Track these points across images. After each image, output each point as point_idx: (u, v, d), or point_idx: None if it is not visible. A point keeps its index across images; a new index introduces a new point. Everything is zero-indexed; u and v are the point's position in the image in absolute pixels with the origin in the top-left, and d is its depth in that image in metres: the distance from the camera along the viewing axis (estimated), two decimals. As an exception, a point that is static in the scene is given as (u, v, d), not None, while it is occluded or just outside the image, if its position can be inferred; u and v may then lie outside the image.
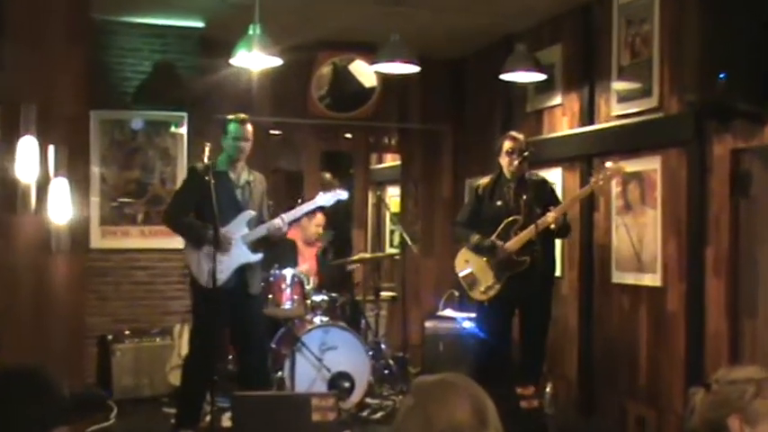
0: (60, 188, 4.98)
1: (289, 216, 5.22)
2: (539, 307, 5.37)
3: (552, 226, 5.18)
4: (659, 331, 5.34)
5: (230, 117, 5.18)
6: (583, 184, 5.93)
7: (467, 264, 5.52)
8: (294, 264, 6.33)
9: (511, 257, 5.29)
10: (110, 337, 6.43)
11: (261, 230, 5.15)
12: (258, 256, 5.18)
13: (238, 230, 5.10)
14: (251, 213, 5.19)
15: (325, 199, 5.38)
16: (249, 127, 5.16)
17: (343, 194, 5.46)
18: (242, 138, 5.11)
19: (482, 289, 5.41)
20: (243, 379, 5.26)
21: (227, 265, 4.99)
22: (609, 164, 5.33)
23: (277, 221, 5.15)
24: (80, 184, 5.15)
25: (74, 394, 2.09)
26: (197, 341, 5.16)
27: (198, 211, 5.04)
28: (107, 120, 6.79)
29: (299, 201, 6.66)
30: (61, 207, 4.98)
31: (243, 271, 5.12)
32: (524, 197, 5.34)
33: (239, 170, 5.19)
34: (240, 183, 5.18)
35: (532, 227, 5.18)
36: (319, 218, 6.67)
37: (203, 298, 5.00)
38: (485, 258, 5.40)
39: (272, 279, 5.78)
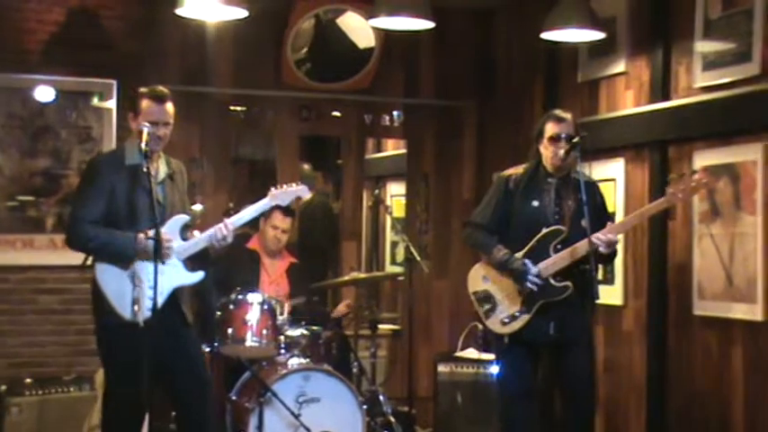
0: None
1: (234, 220, 5.22)
2: (583, 345, 5.38)
3: (603, 249, 5.22)
4: (760, 381, 5.26)
5: (143, 91, 5.10)
6: (653, 180, 5.97)
7: (484, 280, 5.56)
8: (256, 282, 6.38)
9: (547, 282, 5.33)
10: (3, 387, 6.35)
11: (200, 241, 5.15)
12: (198, 276, 5.16)
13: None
14: (185, 218, 5.16)
15: (279, 197, 5.42)
16: (170, 106, 5.10)
17: (302, 190, 5.52)
18: (161, 121, 5.05)
19: (503, 318, 5.44)
20: None
21: (160, 289, 4.92)
22: (697, 174, 5.28)
23: (220, 229, 5.14)
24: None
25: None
26: (117, 398, 5.08)
27: (106, 221, 5.01)
28: (1, 87, 6.76)
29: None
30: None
31: (175, 295, 5.11)
32: (569, 201, 5.39)
33: (155, 160, 5.15)
34: (159, 178, 5.16)
35: (583, 243, 5.17)
36: (277, 218, 6.58)
37: (124, 337, 4.90)
38: (511, 278, 5.43)
39: (231, 307, 5.81)
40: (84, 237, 4.96)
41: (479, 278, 5.55)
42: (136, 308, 4.85)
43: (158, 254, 4.76)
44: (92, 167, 5.19)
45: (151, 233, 4.81)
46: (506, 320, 5.40)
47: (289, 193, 5.42)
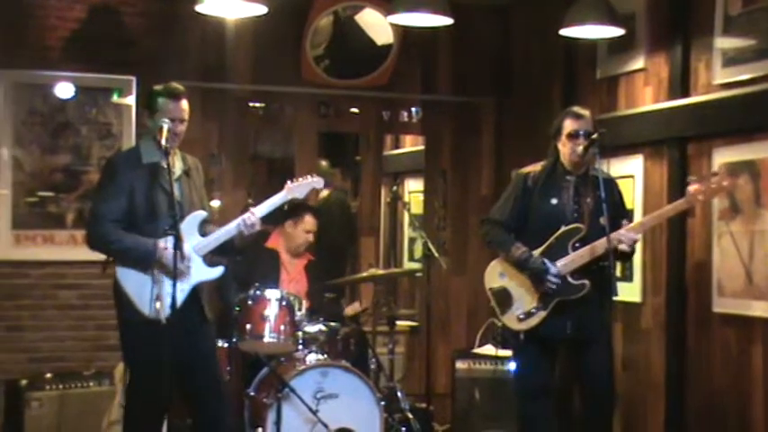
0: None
1: (261, 209, 5.25)
2: (602, 343, 5.40)
3: (625, 247, 5.24)
4: (780, 381, 5.26)
5: (158, 88, 5.13)
6: (671, 177, 5.96)
7: (501, 277, 5.57)
8: (275, 280, 6.37)
9: (565, 280, 5.33)
10: (24, 381, 6.37)
11: (228, 232, 5.16)
12: (218, 272, 5.17)
13: (188, 238, 5.07)
14: (203, 214, 5.19)
15: (295, 190, 5.43)
16: (185, 103, 5.11)
17: (317, 182, 5.55)
18: (178, 118, 5.07)
19: (519, 314, 5.45)
20: None
21: (180, 286, 4.94)
22: (718, 175, 5.27)
23: (248, 216, 5.17)
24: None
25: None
26: (139, 394, 5.09)
27: (125, 220, 5.02)
28: (23, 83, 6.76)
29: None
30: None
31: (196, 291, 5.12)
32: (588, 199, 5.39)
33: (171, 157, 5.14)
34: (175, 175, 5.16)
35: (602, 241, 5.16)
36: (309, 221, 6.67)
37: (146, 333, 4.90)
38: (529, 276, 5.45)
39: (250, 303, 5.82)
40: (105, 237, 4.96)
41: (496, 274, 5.56)
42: (157, 305, 4.85)
43: (178, 250, 4.74)
44: (110, 166, 5.19)
45: (171, 244, 4.80)
46: (522, 317, 5.41)
47: (304, 185, 5.43)
